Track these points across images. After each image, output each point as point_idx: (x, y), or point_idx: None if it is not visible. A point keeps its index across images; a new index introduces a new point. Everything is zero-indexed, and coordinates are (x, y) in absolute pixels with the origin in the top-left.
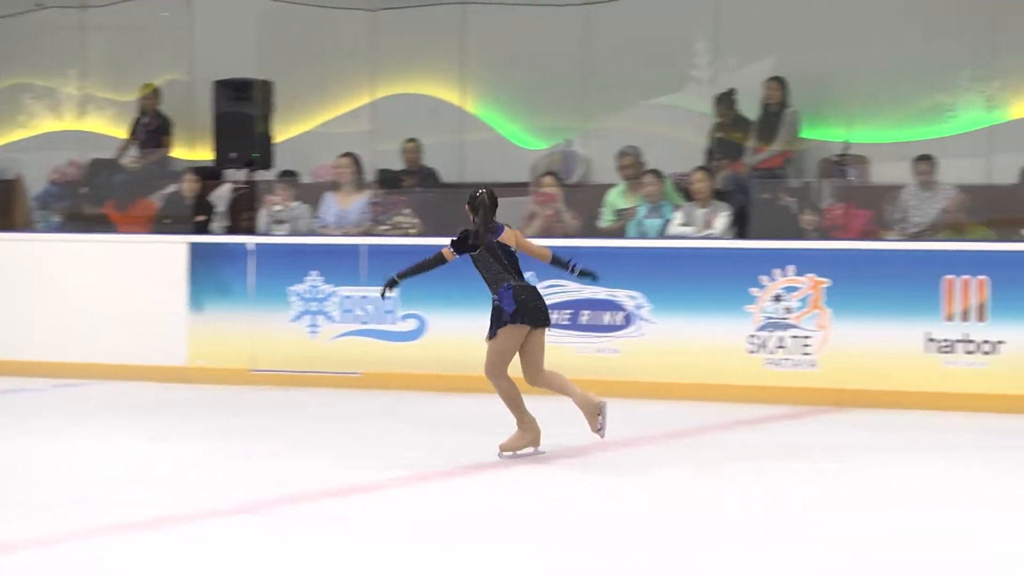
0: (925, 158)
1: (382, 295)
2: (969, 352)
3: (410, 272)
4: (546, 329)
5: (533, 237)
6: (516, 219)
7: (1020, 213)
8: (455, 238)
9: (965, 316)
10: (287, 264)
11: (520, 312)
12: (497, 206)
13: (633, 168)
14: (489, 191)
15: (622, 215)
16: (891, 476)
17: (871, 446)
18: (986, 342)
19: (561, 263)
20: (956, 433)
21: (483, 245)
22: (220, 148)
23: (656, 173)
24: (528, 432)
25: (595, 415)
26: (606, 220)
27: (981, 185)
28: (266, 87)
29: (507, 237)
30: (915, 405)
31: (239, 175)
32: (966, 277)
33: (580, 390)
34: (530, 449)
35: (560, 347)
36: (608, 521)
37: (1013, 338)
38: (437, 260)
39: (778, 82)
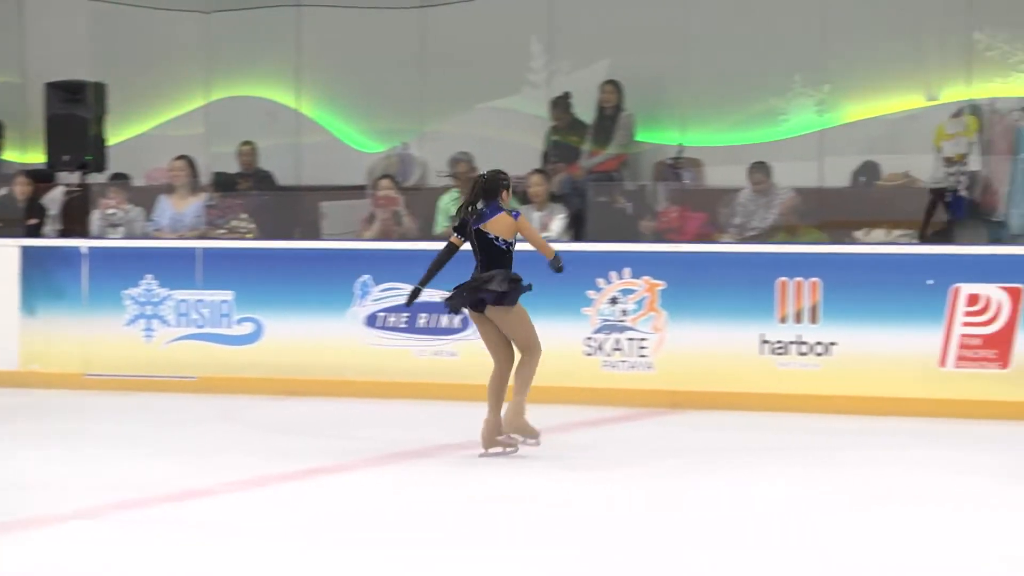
0: (760, 166)
1: (407, 304)
2: (802, 353)
3: (428, 277)
4: (491, 312)
5: (373, 239)
6: (353, 221)
7: (851, 216)
8: (455, 224)
9: (798, 318)
10: (121, 267)
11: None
12: (494, 191)
13: (466, 174)
14: (490, 174)
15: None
16: (725, 477)
17: (707, 447)
18: (819, 343)
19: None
20: (790, 433)
21: (469, 230)
22: (52, 150)
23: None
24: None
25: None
26: (440, 226)
27: (813, 188)
28: (99, 89)
29: (494, 226)
30: (750, 406)
31: (72, 178)
32: (799, 279)
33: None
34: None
35: (397, 350)
36: (436, 519)
37: (845, 339)
38: (449, 251)
39: (613, 85)
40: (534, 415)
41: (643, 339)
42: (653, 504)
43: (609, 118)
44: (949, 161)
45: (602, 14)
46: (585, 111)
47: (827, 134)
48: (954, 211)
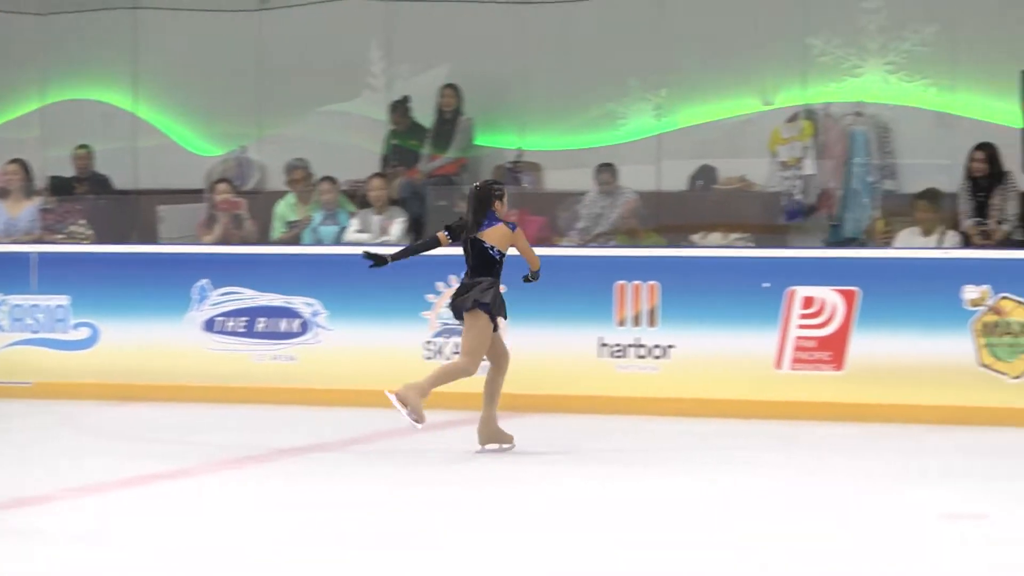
0: (607, 166)
1: (370, 263)
2: (641, 356)
3: (403, 254)
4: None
5: (214, 243)
6: (191, 225)
7: (689, 219)
8: (450, 223)
9: (637, 321)
10: None
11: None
12: (487, 201)
13: (303, 181)
14: (482, 185)
15: (292, 226)
16: (559, 480)
17: (543, 451)
18: (657, 346)
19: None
20: (627, 436)
21: (465, 237)
22: None
23: (331, 180)
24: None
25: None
26: (276, 231)
27: (651, 192)
28: None
29: (490, 236)
30: (589, 409)
31: None
32: (637, 282)
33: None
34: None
35: (236, 355)
36: (277, 524)
37: (683, 342)
38: (431, 243)
39: (452, 89)
40: (369, 419)
41: None
42: (484, 507)
43: (448, 122)
44: (785, 165)
45: (441, 19)
46: (424, 115)
47: (665, 138)
48: (789, 215)
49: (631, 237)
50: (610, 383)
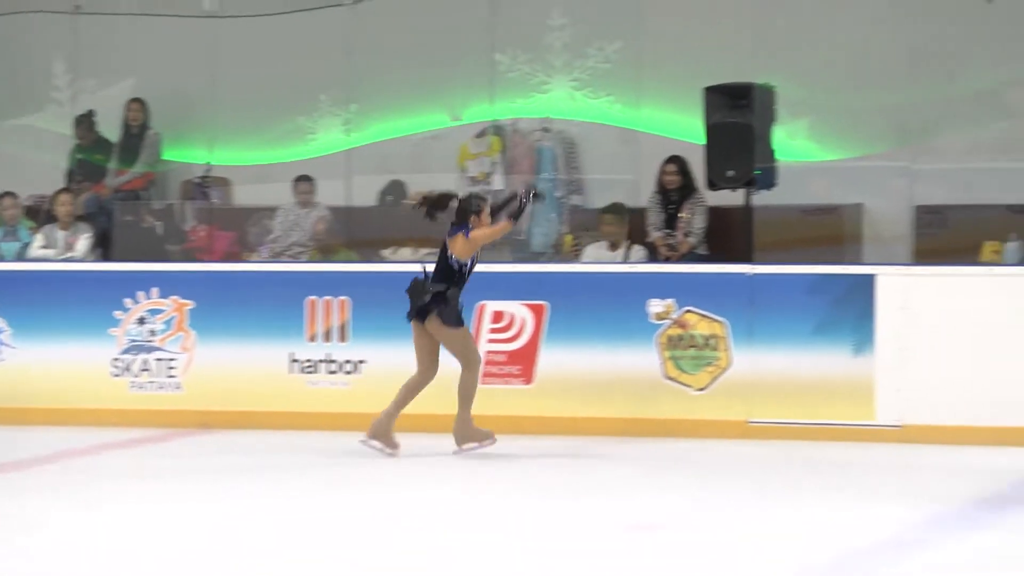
0: (305, 178)
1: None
2: (332, 372)
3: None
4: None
5: None
6: None
7: (379, 234)
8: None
9: (328, 336)
10: None
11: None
12: (464, 213)
13: None
14: (465, 196)
15: None
16: (261, 496)
17: (234, 467)
18: (348, 362)
19: (511, 207)
20: (318, 453)
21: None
22: None
23: (12, 196)
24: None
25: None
26: None
27: (342, 207)
28: None
29: (453, 244)
30: (282, 425)
31: None
32: (328, 298)
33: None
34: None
35: None
36: None
37: (374, 357)
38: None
39: (139, 103)
40: (61, 436)
41: (172, 359)
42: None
43: (135, 136)
44: (473, 180)
45: (128, 32)
46: (111, 129)
47: (354, 153)
48: None
49: (323, 253)
50: (301, 399)
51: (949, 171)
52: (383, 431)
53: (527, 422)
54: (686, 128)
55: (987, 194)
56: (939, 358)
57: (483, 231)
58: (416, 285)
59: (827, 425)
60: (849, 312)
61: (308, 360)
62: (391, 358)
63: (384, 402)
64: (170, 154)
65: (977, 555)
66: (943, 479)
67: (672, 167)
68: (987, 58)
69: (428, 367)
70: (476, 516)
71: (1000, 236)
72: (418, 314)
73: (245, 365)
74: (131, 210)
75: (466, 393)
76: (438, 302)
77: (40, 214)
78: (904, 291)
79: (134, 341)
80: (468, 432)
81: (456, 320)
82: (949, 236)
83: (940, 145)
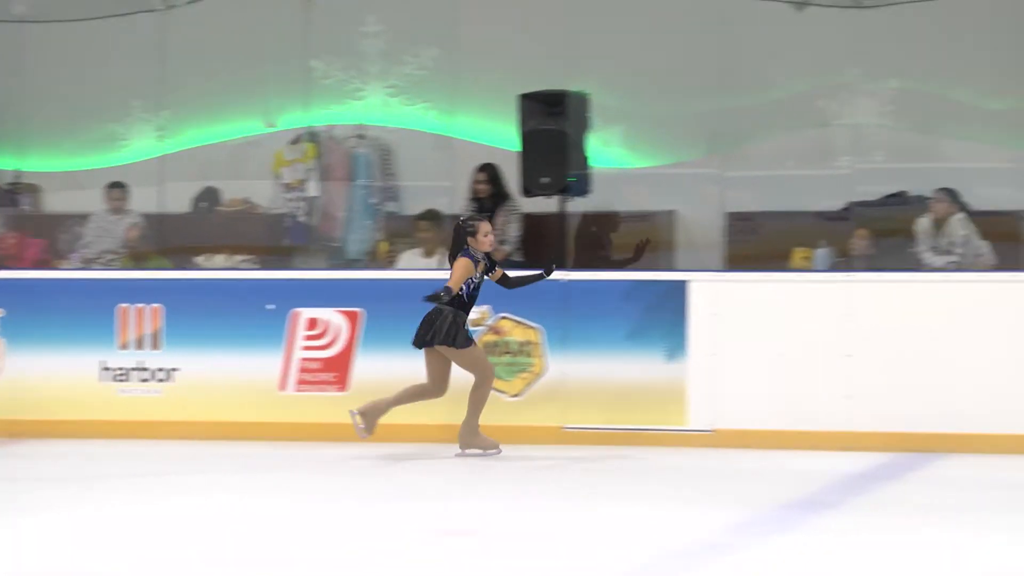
0: (117, 184)
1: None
2: (144, 380)
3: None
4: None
5: None
6: None
7: (193, 241)
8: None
9: (140, 344)
10: None
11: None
12: (459, 239)
13: None
14: (458, 223)
15: None
16: (61, 508)
17: (44, 477)
18: (161, 369)
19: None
20: (130, 461)
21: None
22: None
23: None
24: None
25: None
26: None
27: (155, 214)
28: None
29: (454, 268)
30: (93, 434)
31: None
32: (141, 305)
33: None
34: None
35: None
36: None
37: (187, 365)
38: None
39: None
40: None
41: None
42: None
43: None
44: (288, 187)
45: None
46: None
47: (167, 159)
48: (293, 237)
49: (135, 260)
50: (112, 407)
51: (760, 178)
52: (372, 415)
53: (341, 429)
54: (502, 135)
55: (797, 201)
56: (750, 363)
57: (457, 271)
58: (428, 316)
59: (641, 430)
60: (662, 318)
61: (120, 368)
62: (204, 365)
63: (198, 410)
64: None
65: (780, 555)
66: (753, 483)
67: (482, 175)
68: (797, 67)
69: (438, 384)
70: (305, 524)
71: (810, 243)
72: (425, 344)
73: (56, 374)
74: None
75: (477, 400)
76: (444, 328)
77: None
78: (715, 297)
79: None
80: (473, 438)
81: (465, 340)
82: (760, 242)
83: (751, 153)
